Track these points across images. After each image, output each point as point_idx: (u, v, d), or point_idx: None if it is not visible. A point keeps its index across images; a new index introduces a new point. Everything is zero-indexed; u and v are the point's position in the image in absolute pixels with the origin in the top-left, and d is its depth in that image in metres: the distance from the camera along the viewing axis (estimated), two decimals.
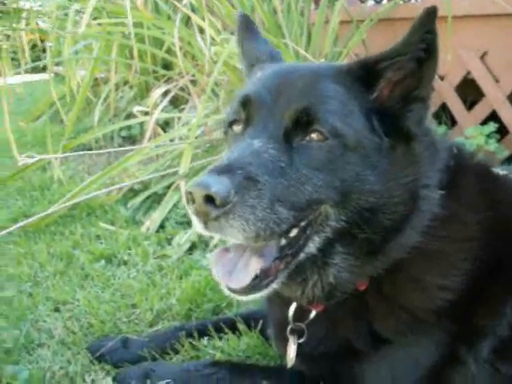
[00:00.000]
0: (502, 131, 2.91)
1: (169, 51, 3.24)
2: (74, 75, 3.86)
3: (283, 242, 1.15)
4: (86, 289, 1.98)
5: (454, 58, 3.03)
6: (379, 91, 1.20)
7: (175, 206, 2.61)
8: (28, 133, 5.02)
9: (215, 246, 2.26)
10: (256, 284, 1.13)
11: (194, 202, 1.03)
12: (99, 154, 3.85)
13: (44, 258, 2.25)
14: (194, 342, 1.60)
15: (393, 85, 1.20)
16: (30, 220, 2.45)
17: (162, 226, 2.53)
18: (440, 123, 3.33)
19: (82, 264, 2.18)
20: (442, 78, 3.25)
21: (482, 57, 2.97)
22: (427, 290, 1.26)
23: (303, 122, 1.13)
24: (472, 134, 2.85)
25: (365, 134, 1.15)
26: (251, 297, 1.16)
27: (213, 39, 2.87)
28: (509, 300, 1.27)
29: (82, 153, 3.19)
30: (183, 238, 2.32)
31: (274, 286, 1.17)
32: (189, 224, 2.48)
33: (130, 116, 4.57)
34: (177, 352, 1.59)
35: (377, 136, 1.17)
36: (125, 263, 2.19)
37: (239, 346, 1.56)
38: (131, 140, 4.25)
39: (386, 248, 1.22)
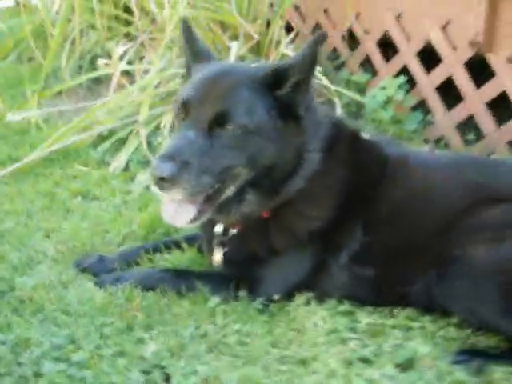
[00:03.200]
0: (411, 83, 3.49)
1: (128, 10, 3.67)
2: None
3: (210, 191, 1.74)
4: (68, 219, 2.55)
5: (376, 17, 3.56)
6: (282, 91, 1.75)
7: (136, 149, 3.16)
8: None
9: None
10: (191, 220, 1.73)
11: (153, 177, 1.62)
12: (69, 97, 4.30)
13: (32, 196, 2.78)
14: (150, 257, 2.21)
15: (291, 86, 1.75)
16: (18, 165, 2.98)
17: (126, 166, 3.09)
18: (365, 71, 3.89)
19: (63, 200, 2.74)
20: (367, 33, 3.78)
21: (398, 17, 3.50)
22: (305, 219, 1.88)
23: (220, 121, 1.70)
24: (386, 85, 3.43)
25: (263, 122, 1.73)
26: (188, 227, 1.78)
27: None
28: (358, 223, 1.90)
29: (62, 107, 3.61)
30: (143, 177, 2.89)
31: (204, 218, 1.77)
32: (147, 164, 3.04)
33: (94, 58, 4.98)
34: (138, 264, 2.20)
35: (273, 121, 1.74)
36: (97, 198, 2.76)
37: (183, 259, 2.19)
38: (97, 82, 4.65)
39: (280, 191, 1.83)
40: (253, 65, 2.02)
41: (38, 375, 1.62)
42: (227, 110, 1.70)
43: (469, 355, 1.67)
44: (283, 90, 1.76)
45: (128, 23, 4.29)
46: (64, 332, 1.80)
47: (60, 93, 4.20)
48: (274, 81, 1.76)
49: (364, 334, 1.79)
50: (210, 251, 1.99)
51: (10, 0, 11.60)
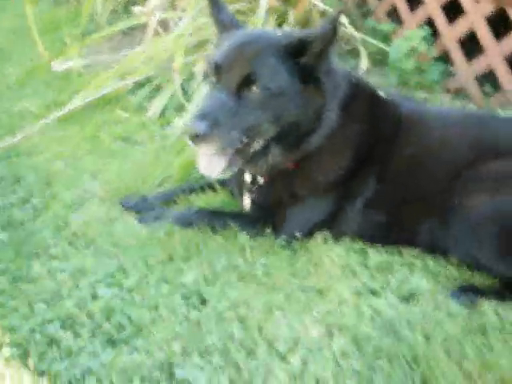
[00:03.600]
0: (435, 35, 3.59)
1: None
2: None
3: (239, 146, 1.96)
4: (112, 162, 2.82)
5: None
6: (304, 58, 1.94)
7: (172, 95, 3.38)
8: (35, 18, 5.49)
9: None
10: (222, 171, 1.97)
11: (187, 133, 1.85)
12: (106, 42, 4.50)
13: (78, 140, 3.05)
14: (186, 197, 2.49)
15: (312, 55, 1.94)
16: (63, 112, 3.24)
17: (162, 112, 3.33)
18: (392, 20, 3.98)
19: (107, 144, 3.00)
20: None
21: None
22: (324, 170, 2.12)
23: (247, 83, 1.90)
24: (410, 36, 3.54)
25: (286, 85, 1.92)
26: (220, 177, 2.03)
27: None
28: (372, 174, 2.13)
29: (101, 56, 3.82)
30: (179, 122, 3.12)
31: (234, 169, 2.02)
32: (182, 110, 3.27)
33: (128, 2, 5.13)
34: (176, 204, 2.48)
35: (295, 84, 1.94)
36: (137, 143, 3.02)
37: (216, 200, 2.46)
38: (131, 27, 4.80)
39: (301, 145, 2.05)
40: (278, 33, 2.20)
41: (95, 297, 1.94)
42: (253, 74, 1.90)
43: (464, 291, 1.93)
44: (305, 58, 1.94)
45: None
46: (114, 262, 2.11)
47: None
48: (297, 49, 1.94)
49: (374, 269, 2.06)
50: (241, 197, 2.26)
51: None
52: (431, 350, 1.69)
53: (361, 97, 2.18)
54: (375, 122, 2.15)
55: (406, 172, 2.13)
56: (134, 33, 4.64)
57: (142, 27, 4.46)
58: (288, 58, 1.94)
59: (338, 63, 2.13)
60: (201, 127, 1.83)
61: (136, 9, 3.86)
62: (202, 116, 1.86)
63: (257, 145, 2.00)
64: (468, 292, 1.92)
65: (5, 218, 2.43)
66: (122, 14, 4.99)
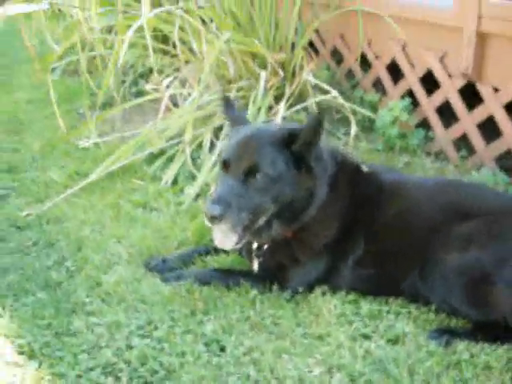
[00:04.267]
0: (416, 104, 4.05)
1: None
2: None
3: (246, 223, 2.36)
4: (134, 228, 3.20)
5: (385, 44, 4.13)
6: (295, 148, 2.37)
7: (183, 164, 3.80)
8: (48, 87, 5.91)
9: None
10: (234, 244, 2.39)
11: (206, 215, 2.29)
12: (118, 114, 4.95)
13: (100, 208, 3.44)
14: (202, 259, 2.87)
15: (302, 144, 2.37)
16: (86, 181, 3.64)
17: (175, 180, 3.74)
18: (377, 90, 4.46)
19: (128, 211, 3.39)
20: (377, 58, 4.35)
21: (404, 47, 4.06)
22: (318, 237, 2.52)
23: (251, 172, 2.34)
24: (393, 107, 3.99)
25: (283, 171, 2.36)
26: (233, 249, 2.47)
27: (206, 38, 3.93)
28: (360, 236, 2.51)
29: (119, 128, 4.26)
30: (191, 189, 3.53)
31: (243, 242, 2.43)
32: (193, 178, 3.68)
33: (137, 75, 5.62)
34: (193, 264, 2.85)
35: (290, 170, 2.37)
36: (155, 209, 3.42)
37: (228, 260, 2.84)
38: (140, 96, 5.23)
39: (298, 218, 2.46)
40: (273, 127, 2.67)
41: (130, 347, 2.27)
42: (256, 164, 2.34)
43: (441, 333, 2.29)
44: (296, 146, 2.37)
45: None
46: (143, 316, 2.45)
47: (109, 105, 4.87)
48: (288, 140, 2.38)
49: (365, 317, 2.41)
50: (250, 261, 2.66)
51: (44, 3, 12.28)
52: (415, 383, 2.03)
53: (345, 172, 2.60)
54: (359, 193, 2.57)
55: (389, 233, 2.51)
56: (143, 105, 5.10)
57: (151, 100, 4.95)
58: (282, 149, 2.38)
59: (324, 140, 2.57)
60: (216, 210, 2.26)
61: (148, 86, 4.33)
62: (217, 201, 2.29)
63: (261, 221, 2.40)
64: (444, 334, 2.27)
65: (42, 279, 2.77)
66: (132, 86, 5.49)
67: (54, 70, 6.19)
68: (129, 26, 4.49)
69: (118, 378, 2.13)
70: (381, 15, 4.00)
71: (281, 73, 3.91)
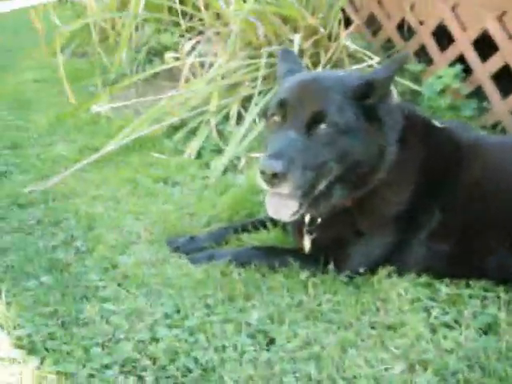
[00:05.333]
0: (467, 71, 3.60)
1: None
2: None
3: (309, 186, 1.89)
4: (154, 203, 2.76)
5: (431, 7, 3.68)
6: (369, 100, 1.93)
7: (207, 137, 3.36)
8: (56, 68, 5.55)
9: (242, 168, 3.04)
10: (293, 214, 1.91)
11: (263, 173, 1.79)
12: (131, 89, 4.52)
13: (116, 183, 3.00)
14: (238, 237, 2.41)
15: (377, 95, 1.93)
16: (99, 154, 3.20)
17: (199, 154, 3.30)
18: (419, 61, 4.00)
19: (146, 185, 2.95)
20: (421, 23, 3.89)
21: (454, 8, 3.61)
22: (387, 204, 2.06)
23: (316, 121, 1.88)
24: (442, 74, 3.54)
25: (352, 122, 1.90)
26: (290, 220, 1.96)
27: None
28: (435, 204, 2.05)
29: (129, 102, 3.84)
30: (218, 163, 3.08)
31: (302, 212, 1.96)
32: (220, 151, 3.25)
33: (149, 51, 5.21)
34: (227, 243, 2.40)
35: (360, 123, 1.91)
36: (178, 184, 2.97)
37: (269, 237, 2.38)
38: (154, 75, 4.83)
39: (365, 183, 2.00)
40: (341, 73, 2.19)
41: (154, 340, 1.82)
42: (323, 111, 1.89)
43: None
44: (371, 100, 1.94)
45: (183, 15, 4.45)
46: (170, 303, 2.00)
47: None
48: (364, 91, 1.94)
49: (444, 303, 1.95)
50: (300, 238, 2.18)
51: None
52: None
53: (417, 127, 2.14)
54: (434, 153, 2.10)
55: (472, 201, 2.06)
56: (156, 82, 4.68)
57: (164, 75, 4.53)
58: (354, 99, 1.93)
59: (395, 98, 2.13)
60: (278, 166, 1.77)
61: (168, 55, 3.89)
62: (278, 155, 1.80)
63: (322, 185, 1.94)
64: None
65: (47, 260, 2.33)
66: (143, 61, 5.06)
67: (63, 51, 5.88)
68: None
69: (140, 378, 1.69)
70: None
71: (321, 32, 3.45)
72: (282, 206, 1.90)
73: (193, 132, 3.42)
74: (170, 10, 4.84)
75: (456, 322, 1.87)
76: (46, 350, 1.80)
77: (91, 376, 1.70)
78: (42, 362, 1.74)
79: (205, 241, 2.38)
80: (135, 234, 2.51)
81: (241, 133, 3.19)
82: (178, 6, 4.07)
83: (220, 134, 3.30)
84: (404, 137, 2.06)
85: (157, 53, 5.34)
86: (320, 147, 1.87)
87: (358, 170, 1.95)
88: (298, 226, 2.17)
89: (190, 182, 2.95)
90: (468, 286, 2.04)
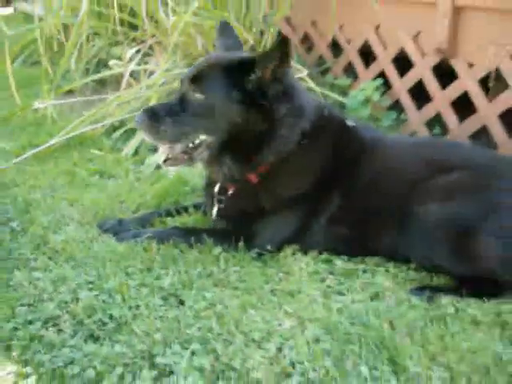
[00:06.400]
0: (388, 85, 3.94)
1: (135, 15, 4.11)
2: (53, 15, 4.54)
3: (189, 147, 2.22)
4: (88, 192, 2.94)
5: (357, 28, 4.03)
6: (252, 79, 2.15)
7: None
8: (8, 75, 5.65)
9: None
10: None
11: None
12: (78, 95, 4.70)
13: (54, 174, 3.17)
14: (162, 220, 2.62)
15: (261, 75, 2.14)
16: (40, 148, 3.37)
17: (136, 152, 3.50)
18: (348, 76, 4.34)
19: (83, 177, 3.13)
20: (349, 42, 4.24)
21: (376, 29, 3.96)
22: (287, 186, 2.31)
23: (190, 91, 2.17)
24: (365, 87, 3.88)
25: (221, 100, 2.15)
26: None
27: (174, 10, 3.75)
28: (336, 192, 2.32)
29: (74, 99, 4.03)
30: (152, 159, 3.29)
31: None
32: (155, 150, 3.46)
33: (100, 62, 5.39)
34: (152, 226, 2.60)
35: (233, 102, 2.15)
36: (113, 176, 3.16)
37: (189, 220, 2.60)
38: (102, 83, 5.03)
39: (251, 161, 2.24)
40: (240, 53, 2.41)
41: (76, 300, 2.01)
42: (195, 85, 2.17)
43: (422, 289, 2.10)
44: (250, 78, 2.15)
45: (133, 27, 4.68)
46: (94, 272, 2.19)
47: (69, 92, 4.60)
48: (242, 68, 2.16)
49: (340, 275, 2.21)
50: (210, 207, 2.44)
51: (9, 8, 12.32)
52: (396, 335, 1.82)
53: (329, 125, 2.39)
54: (341, 146, 2.37)
55: (368, 189, 2.33)
56: (103, 88, 4.86)
57: (111, 83, 4.73)
58: (232, 76, 2.17)
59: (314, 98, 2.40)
60: (139, 118, 2.16)
61: (112, 62, 4.11)
62: (145, 111, 2.18)
63: (204, 150, 2.23)
64: (426, 290, 2.09)
65: None
66: (93, 72, 5.23)
67: (15, 60, 6.03)
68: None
69: (60, 331, 1.86)
70: None
71: (253, 46, 3.73)
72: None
73: (131, 132, 3.62)
74: (122, 22, 5.06)
75: (348, 290, 2.13)
76: None
77: (15, 329, 1.86)
78: None
79: (132, 223, 2.57)
80: (68, 217, 2.68)
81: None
82: (126, 17, 4.28)
83: None
84: (315, 128, 2.31)
85: (106, 64, 5.55)
86: (189, 114, 2.17)
87: (239, 145, 2.20)
88: (211, 197, 2.42)
89: (124, 176, 3.15)
90: (362, 262, 2.31)
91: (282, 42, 2.04)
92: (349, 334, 1.83)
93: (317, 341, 1.81)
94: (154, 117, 2.15)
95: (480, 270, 2.08)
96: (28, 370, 1.70)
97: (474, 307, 2.00)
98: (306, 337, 1.82)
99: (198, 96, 2.16)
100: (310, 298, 2.05)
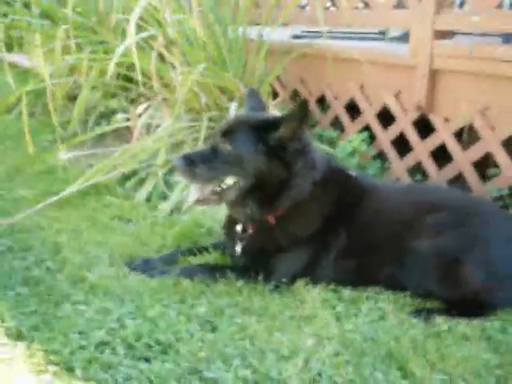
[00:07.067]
0: (372, 137, 4.39)
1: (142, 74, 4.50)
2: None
3: (218, 189, 2.57)
4: (111, 235, 3.25)
5: (343, 86, 4.49)
6: (274, 136, 2.54)
7: (155, 186, 3.91)
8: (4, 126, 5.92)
9: (185, 210, 3.60)
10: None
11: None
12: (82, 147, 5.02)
13: (76, 219, 3.46)
14: (185, 258, 2.95)
15: (283, 134, 2.54)
16: (61, 195, 3.67)
17: (148, 200, 3.83)
18: (335, 129, 4.78)
19: (104, 221, 3.44)
20: (336, 98, 4.70)
21: (361, 87, 4.44)
22: (302, 227, 2.67)
23: (222, 142, 2.56)
24: (352, 139, 4.31)
25: (248, 152, 2.52)
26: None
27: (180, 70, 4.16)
28: (343, 230, 2.69)
29: (89, 151, 4.37)
30: (165, 205, 3.63)
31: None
32: (166, 198, 3.79)
33: (100, 115, 5.74)
34: (176, 264, 2.92)
35: (258, 154, 2.52)
36: (131, 220, 3.48)
37: (210, 259, 2.93)
38: (102, 137, 5.31)
39: (272, 204, 2.61)
40: (264, 114, 2.83)
41: (122, 327, 2.29)
42: (228, 137, 2.55)
43: (419, 311, 2.46)
44: (273, 135, 2.53)
45: (128, 80, 5.06)
46: (132, 305, 2.49)
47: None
48: (267, 126, 2.56)
49: (347, 302, 2.56)
50: (231, 245, 2.79)
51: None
52: (401, 348, 2.18)
53: (335, 174, 2.79)
54: (344, 192, 2.77)
55: (369, 228, 2.71)
56: (104, 142, 5.20)
57: (112, 136, 5.08)
58: (259, 133, 2.55)
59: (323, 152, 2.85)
60: (177, 162, 2.51)
61: (118, 116, 4.47)
62: (182, 157, 2.54)
63: (231, 193, 2.58)
64: (423, 312, 2.46)
65: (21, 276, 2.72)
66: (93, 127, 5.57)
67: (11, 111, 6.27)
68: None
69: (113, 354, 2.15)
70: (340, 59, 4.38)
71: None
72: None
73: (142, 181, 3.95)
74: (119, 76, 5.44)
75: (355, 315, 2.47)
76: (32, 337, 2.23)
77: (72, 353, 2.14)
78: (29, 346, 2.17)
79: (157, 262, 2.88)
80: (97, 257, 2.97)
81: (183, 182, 3.75)
82: (132, 74, 4.66)
83: (166, 183, 3.85)
84: (323, 180, 2.70)
85: (104, 116, 5.90)
86: (220, 161, 2.54)
87: (262, 191, 2.56)
88: (233, 236, 2.77)
89: (141, 220, 3.47)
90: (366, 290, 2.66)
91: (302, 106, 2.44)
92: (363, 349, 2.17)
93: (337, 354, 2.14)
94: (190, 161, 2.51)
95: (466, 293, 2.47)
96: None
97: (463, 325, 2.38)
98: (327, 351, 2.15)
99: (228, 147, 2.53)
100: (325, 321, 2.38)
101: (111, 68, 3.58)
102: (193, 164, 2.51)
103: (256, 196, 2.58)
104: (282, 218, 2.65)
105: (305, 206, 2.65)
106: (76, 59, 4.70)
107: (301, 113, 2.46)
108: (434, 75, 3.79)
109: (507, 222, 2.69)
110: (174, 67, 4.17)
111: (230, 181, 2.57)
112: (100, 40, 4.94)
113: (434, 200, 2.74)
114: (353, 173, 2.91)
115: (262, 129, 2.56)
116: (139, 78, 3.72)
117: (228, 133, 2.57)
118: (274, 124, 2.54)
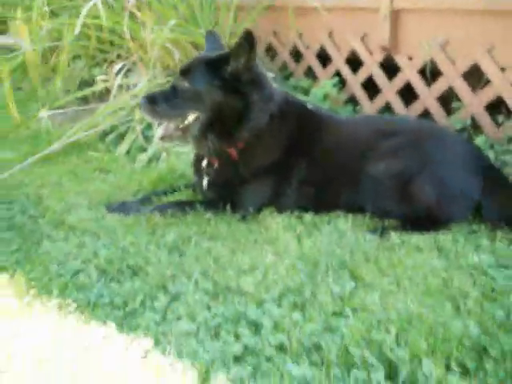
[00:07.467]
0: (343, 82, 4.52)
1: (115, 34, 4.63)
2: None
3: (181, 125, 2.74)
4: (91, 185, 3.42)
5: (314, 35, 4.58)
6: (226, 70, 2.67)
7: (134, 140, 4.06)
8: None
9: (163, 159, 3.75)
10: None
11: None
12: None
13: (58, 174, 3.63)
14: (160, 199, 3.11)
15: (234, 66, 2.67)
16: (42, 153, 3.83)
17: (127, 153, 3.98)
18: (308, 78, 4.90)
19: (84, 174, 3.61)
20: (307, 48, 4.81)
21: (330, 34, 4.55)
22: (262, 158, 2.82)
23: (179, 83, 2.70)
24: (324, 85, 4.43)
25: (205, 87, 2.67)
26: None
27: (151, 28, 4.28)
28: (303, 160, 2.84)
29: (75, 108, 4.51)
30: (143, 156, 3.78)
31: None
32: (145, 150, 3.94)
33: (82, 81, 5.86)
34: (152, 205, 3.09)
35: (214, 88, 2.66)
36: (110, 171, 3.64)
37: (182, 197, 3.10)
38: (84, 99, 5.46)
39: (231, 137, 2.75)
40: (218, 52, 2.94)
41: (97, 256, 2.48)
42: (186, 76, 2.70)
43: (376, 229, 2.63)
44: (226, 69, 2.67)
45: (112, 45, 5.19)
46: (107, 239, 2.66)
47: (57, 108, 5.06)
48: (220, 62, 2.68)
49: (309, 225, 2.72)
50: (200, 180, 2.94)
51: None
52: (354, 259, 2.35)
53: (292, 108, 2.93)
54: (303, 123, 2.91)
55: (328, 157, 2.86)
56: (88, 105, 5.33)
57: (94, 98, 5.21)
58: (213, 69, 2.69)
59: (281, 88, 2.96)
60: (141, 101, 2.70)
61: (99, 77, 4.60)
62: (146, 97, 2.73)
63: (193, 128, 2.74)
64: (379, 229, 2.62)
65: (6, 224, 2.92)
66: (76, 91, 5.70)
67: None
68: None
69: (88, 275, 2.33)
70: (309, 8, 4.48)
71: None
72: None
73: (122, 136, 4.11)
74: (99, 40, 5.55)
75: (315, 235, 2.63)
76: (15, 270, 2.42)
77: (50, 279, 2.32)
78: (12, 275, 2.36)
79: (134, 203, 3.05)
80: (77, 204, 3.15)
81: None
82: (112, 38, 4.79)
83: (145, 137, 4.00)
84: (281, 112, 2.83)
85: (88, 84, 6.02)
86: (179, 98, 2.70)
87: (220, 124, 2.71)
88: (200, 171, 2.93)
89: (121, 170, 3.64)
90: (327, 215, 2.83)
91: (248, 37, 2.57)
92: (318, 260, 2.34)
93: (293, 266, 2.31)
94: (152, 100, 2.68)
95: (419, 210, 2.63)
96: (68, 302, 2.16)
97: (416, 238, 2.54)
98: (285, 264, 2.32)
99: (186, 85, 2.67)
100: (286, 242, 2.55)
101: (78, 26, 3.68)
102: (154, 102, 2.67)
103: (216, 129, 2.72)
104: (244, 150, 2.80)
105: (264, 137, 2.79)
106: (52, 24, 4.81)
107: (247, 43, 2.58)
108: (395, 15, 3.91)
109: (458, 144, 2.83)
110: (146, 27, 4.28)
111: (191, 117, 2.71)
112: (74, 5, 5.05)
113: (390, 127, 2.88)
114: (309, 105, 3.04)
115: (216, 64, 2.69)
116: (107, 36, 3.83)
117: (186, 72, 2.71)
118: (226, 59, 2.67)
